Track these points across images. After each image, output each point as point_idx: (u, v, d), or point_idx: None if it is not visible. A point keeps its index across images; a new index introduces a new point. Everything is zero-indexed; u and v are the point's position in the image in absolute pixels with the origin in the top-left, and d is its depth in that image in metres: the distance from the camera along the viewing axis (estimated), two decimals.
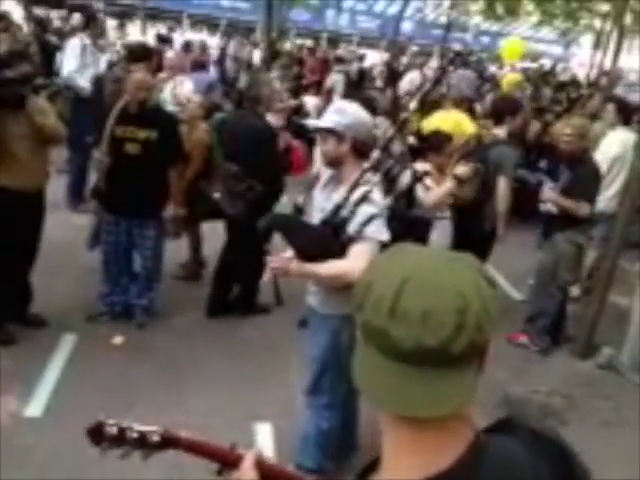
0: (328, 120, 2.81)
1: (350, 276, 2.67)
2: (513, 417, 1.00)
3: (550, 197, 4.75)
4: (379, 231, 2.71)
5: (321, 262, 2.74)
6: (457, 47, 17.87)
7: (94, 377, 3.93)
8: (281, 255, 2.92)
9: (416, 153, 4.02)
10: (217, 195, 4.71)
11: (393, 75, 10.31)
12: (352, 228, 2.70)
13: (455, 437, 0.88)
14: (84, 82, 6.44)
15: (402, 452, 0.89)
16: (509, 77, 9.48)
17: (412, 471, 0.87)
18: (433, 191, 3.94)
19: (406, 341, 0.82)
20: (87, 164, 6.32)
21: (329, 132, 2.80)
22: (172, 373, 4.09)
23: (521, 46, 11.47)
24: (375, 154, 2.83)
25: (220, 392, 3.95)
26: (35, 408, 3.62)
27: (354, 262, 2.67)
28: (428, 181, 3.98)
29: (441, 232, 4.10)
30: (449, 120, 5.53)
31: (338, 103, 2.98)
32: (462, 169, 3.95)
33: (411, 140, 4.22)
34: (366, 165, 2.80)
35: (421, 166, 3.98)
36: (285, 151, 5.09)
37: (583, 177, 4.69)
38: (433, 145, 4.18)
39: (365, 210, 2.70)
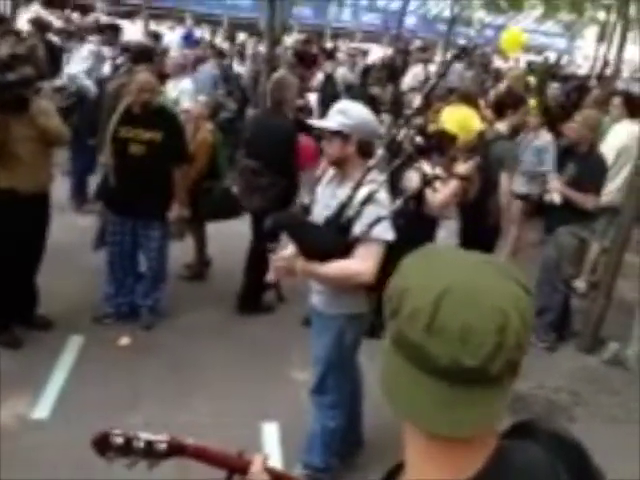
0: (333, 121, 2.80)
1: (359, 277, 2.69)
2: (532, 420, 0.99)
3: (557, 187, 4.73)
4: (385, 231, 2.71)
5: (326, 262, 2.74)
6: (461, 41, 17.84)
7: (101, 378, 3.94)
8: (285, 254, 2.92)
9: (422, 153, 3.97)
10: (235, 190, 4.89)
11: (393, 71, 10.27)
12: (359, 228, 2.69)
13: (480, 447, 0.87)
14: (90, 83, 6.48)
15: (425, 461, 0.88)
16: (514, 72, 9.34)
17: (435, 479, 0.86)
18: (439, 192, 3.91)
19: (443, 358, 0.79)
20: (89, 165, 6.35)
21: (334, 133, 2.79)
22: (179, 373, 4.10)
23: (520, 37, 11.16)
24: (379, 152, 2.83)
25: (226, 391, 3.96)
26: (42, 410, 3.64)
27: (362, 263, 2.68)
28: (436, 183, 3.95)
29: (448, 231, 4.07)
30: (455, 117, 5.50)
31: (342, 103, 2.97)
32: (464, 166, 3.90)
33: (418, 139, 4.17)
34: (371, 163, 2.80)
35: (429, 169, 3.93)
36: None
37: (590, 169, 4.67)
38: (436, 146, 4.13)
39: (372, 210, 2.70)
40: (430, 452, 0.86)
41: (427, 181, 3.24)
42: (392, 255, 2.67)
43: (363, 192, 2.72)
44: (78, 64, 6.62)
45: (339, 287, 2.85)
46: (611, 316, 4.96)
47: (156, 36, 11.53)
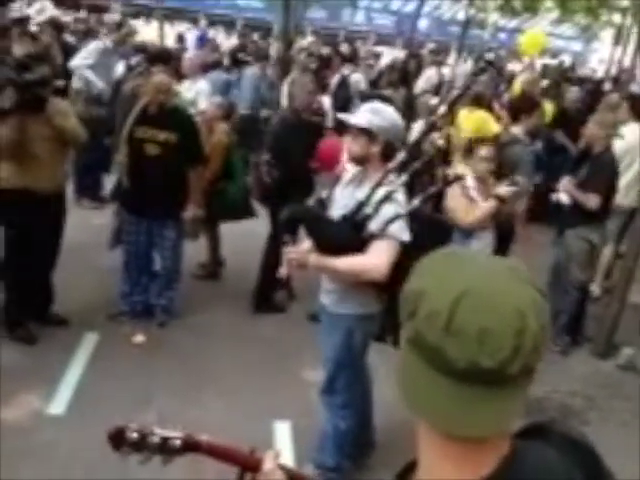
0: (363, 118, 2.81)
1: (372, 273, 2.69)
2: (547, 422, 0.99)
3: (565, 187, 4.73)
4: (401, 231, 2.72)
5: (340, 257, 2.74)
6: (475, 44, 17.79)
7: (115, 375, 3.98)
8: (299, 247, 2.93)
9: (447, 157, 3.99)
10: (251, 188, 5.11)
11: (405, 74, 10.28)
12: (375, 225, 2.70)
13: (494, 447, 0.87)
14: (91, 75, 6.55)
15: (439, 460, 0.88)
16: (531, 76, 9.19)
17: (449, 478, 0.87)
18: (477, 210, 3.89)
19: (460, 360, 0.80)
20: (102, 164, 6.39)
21: (361, 130, 2.80)
22: (192, 371, 4.13)
23: (542, 39, 10.94)
24: (400, 155, 2.84)
25: (239, 390, 3.98)
26: (58, 406, 3.68)
27: (376, 259, 2.68)
28: (473, 192, 3.92)
29: (483, 242, 4.01)
30: (472, 121, 5.51)
31: (374, 104, 2.98)
32: (504, 189, 3.91)
33: (441, 142, 4.16)
34: (391, 165, 2.81)
35: (455, 172, 3.94)
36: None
37: (597, 170, 4.65)
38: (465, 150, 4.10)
39: (389, 209, 2.71)
40: (445, 451, 0.87)
41: (448, 181, 3.24)
42: (405, 257, 2.68)
43: (382, 192, 2.74)
44: (81, 58, 6.71)
45: (350, 283, 2.85)
46: (625, 321, 4.93)
47: (181, 37, 11.60)
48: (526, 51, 10.75)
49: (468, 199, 3.92)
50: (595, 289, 5.73)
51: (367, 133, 2.79)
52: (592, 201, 4.54)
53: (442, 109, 3.22)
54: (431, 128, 3.39)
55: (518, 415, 0.85)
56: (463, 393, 0.81)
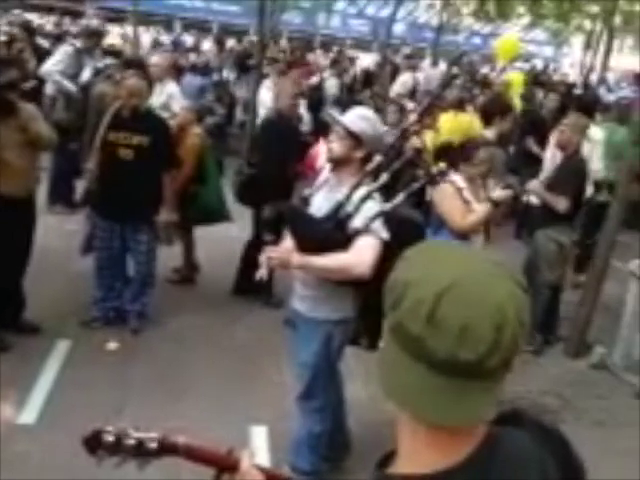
0: (354, 123, 2.82)
1: (358, 269, 2.68)
2: (519, 410, 1.02)
3: (534, 188, 4.79)
4: (382, 229, 2.74)
5: (324, 255, 2.73)
6: (450, 49, 17.96)
7: (88, 383, 3.92)
8: (281, 247, 2.91)
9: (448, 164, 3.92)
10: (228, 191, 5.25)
11: (368, 77, 10.42)
12: (359, 221, 2.71)
13: (471, 434, 0.90)
14: (60, 78, 6.48)
15: (418, 447, 0.90)
16: (514, 77, 9.21)
17: (427, 464, 0.88)
18: (473, 215, 3.79)
19: (440, 352, 0.81)
20: (71, 168, 6.31)
21: (350, 134, 2.80)
22: (167, 378, 4.09)
23: (516, 44, 11.09)
24: (377, 159, 2.84)
25: (215, 395, 3.95)
26: (29, 415, 3.62)
27: (362, 255, 2.68)
28: (466, 194, 3.83)
29: (475, 246, 3.94)
30: (456, 126, 5.55)
31: (365, 111, 3.00)
32: (500, 193, 3.85)
33: (418, 143, 4.13)
34: (368, 168, 2.82)
35: (461, 181, 3.84)
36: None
37: (566, 172, 4.72)
38: (464, 155, 3.97)
39: (371, 206, 2.73)
40: (423, 439, 0.89)
41: (431, 177, 3.23)
42: (381, 257, 2.69)
43: (361, 191, 2.75)
44: (52, 63, 6.65)
45: (334, 283, 2.83)
46: (597, 321, 5.01)
47: (157, 43, 11.50)
48: (500, 56, 10.87)
49: (463, 201, 3.83)
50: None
51: (354, 138, 2.80)
52: (561, 204, 4.60)
53: (413, 116, 3.24)
54: (404, 134, 3.39)
55: (494, 407, 0.87)
56: (443, 384, 0.83)
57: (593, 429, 4.01)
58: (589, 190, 6.04)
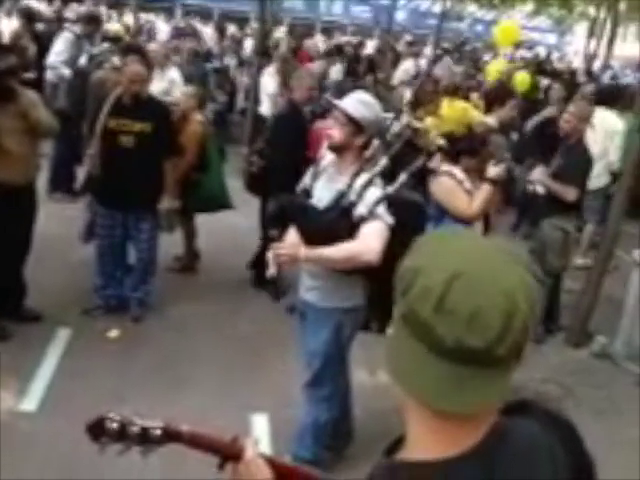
0: (355, 109, 2.78)
1: (367, 256, 2.67)
2: (528, 399, 1.02)
3: (539, 178, 4.76)
4: (387, 213, 2.72)
5: (331, 245, 2.72)
6: (451, 36, 17.84)
7: (89, 371, 3.92)
8: (287, 242, 2.90)
9: (450, 156, 3.82)
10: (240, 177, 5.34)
11: (371, 64, 10.34)
12: (363, 208, 2.69)
13: (481, 422, 0.89)
14: (65, 70, 6.49)
15: (426, 434, 0.90)
16: (493, 65, 9.05)
17: (435, 451, 0.88)
18: (476, 199, 3.68)
19: (449, 338, 0.81)
20: (72, 155, 6.29)
21: (351, 120, 2.77)
22: (168, 366, 4.09)
23: (515, 30, 10.99)
24: (376, 143, 2.82)
25: (216, 384, 3.96)
26: (30, 402, 3.62)
27: (370, 241, 2.67)
28: (467, 185, 3.73)
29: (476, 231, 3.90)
30: (453, 114, 5.48)
31: (364, 96, 2.95)
32: (494, 170, 3.69)
33: (440, 141, 4.05)
34: (368, 154, 2.80)
35: (460, 173, 3.76)
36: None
37: (574, 162, 4.69)
38: (467, 148, 3.84)
39: (374, 192, 2.71)
40: (432, 426, 0.89)
41: (430, 153, 3.20)
42: (387, 241, 2.69)
43: (362, 179, 2.73)
44: (55, 54, 6.63)
45: (343, 271, 2.81)
46: (599, 310, 5.00)
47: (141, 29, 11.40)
48: (500, 43, 10.77)
49: (465, 192, 3.74)
50: (580, 260, 6.05)
51: (355, 124, 2.77)
52: (571, 193, 4.58)
53: (408, 94, 3.22)
54: (398, 115, 3.37)
55: (505, 395, 0.87)
56: (452, 371, 0.82)
57: (594, 418, 4.01)
58: (603, 180, 6.06)
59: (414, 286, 0.84)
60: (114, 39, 7.15)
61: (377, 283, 2.79)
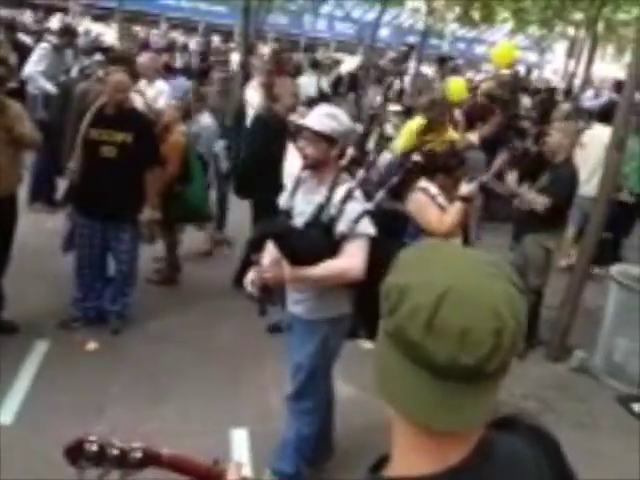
0: (323, 124, 2.79)
1: (351, 273, 2.71)
2: (514, 414, 1.03)
3: (509, 186, 4.80)
4: (368, 227, 2.75)
5: (314, 265, 2.74)
6: (435, 53, 18.06)
7: (67, 384, 3.86)
8: (269, 265, 2.91)
9: (425, 173, 3.81)
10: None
11: (353, 81, 10.41)
12: (343, 226, 2.71)
13: (467, 438, 0.89)
14: (44, 82, 6.47)
15: (412, 450, 0.89)
16: (453, 83, 8.69)
17: (421, 467, 0.88)
18: (447, 216, 3.65)
19: (440, 356, 0.80)
20: (53, 167, 6.24)
21: (320, 136, 2.78)
22: (147, 379, 4.04)
23: (513, 51, 11.13)
24: (350, 152, 2.86)
25: (195, 398, 3.91)
26: (6, 416, 3.55)
27: (353, 259, 2.71)
28: (440, 200, 3.70)
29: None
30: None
31: (329, 108, 2.97)
32: (467, 188, 3.67)
33: (415, 157, 4.05)
34: (343, 163, 2.83)
35: (434, 189, 3.75)
36: None
37: (557, 179, 4.73)
38: (444, 166, 3.78)
39: (353, 207, 2.73)
40: (418, 443, 0.88)
41: (409, 170, 3.22)
42: (370, 251, 2.71)
43: (341, 191, 2.74)
44: (33, 64, 6.61)
45: (325, 287, 2.84)
46: (578, 325, 5.04)
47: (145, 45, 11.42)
48: (497, 63, 10.94)
49: (438, 207, 3.71)
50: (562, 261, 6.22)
51: (327, 139, 2.79)
52: (540, 201, 4.59)
53: (379, 99, 3.26)
54: (372, 121, 3.42)
55: (492, 409, 0.87)
56: (441, 388, 0.82)
57: (574, 432, 4.03)
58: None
59: (402, 305, 0.83)
60: (107, 50, 7.15)
61: (363, 290, 2.81)
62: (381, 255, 2.58)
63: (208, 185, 5.53)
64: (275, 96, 5.21)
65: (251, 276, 2.91)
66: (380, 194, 2.84)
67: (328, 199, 2.74)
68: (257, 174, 4.73)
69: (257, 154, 4.80)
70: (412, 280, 0.85)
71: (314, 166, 2.87)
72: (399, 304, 0.83)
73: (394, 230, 2.79)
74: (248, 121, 7.15)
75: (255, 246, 2.96)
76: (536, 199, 4.62)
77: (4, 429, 3.44)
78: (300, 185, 2.97)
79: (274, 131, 4.80)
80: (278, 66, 8.10)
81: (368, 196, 2.87)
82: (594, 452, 3.72)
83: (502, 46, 11.30)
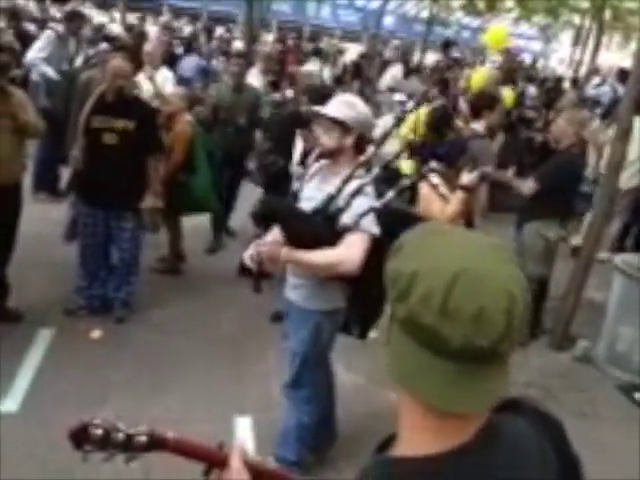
0: (338, 111, 2.78)
1: (346, 265, 2.68)
2: (518, 398, 1.04)
3: (503, 174, 4.78)
4: (372, 225, 2.72)
5: (313, 250, 2.72)
6: (439, 42, 17.94)
7: (71, 372, 3.88)
8: (268, 239, 2.90)
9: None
10: (252, 167, 5.54)
11: (358, 69, 10.35)
12: (348, 218, 2.69)
13: (473, 419, 0.90)
14: (47, 69, 6.46)
15: (420, 431, 0.90)
16: (479, 72, 8.99)
17: (427, 447, 0.88)
18: (449, 206, 3.65)
19: (455, 339, 0.81)
20: (56, 155, 6.24)
21: (335, 123, 2.77)
22: (151, 367, 4.06)
23: (505, 34, 11.06)
24: (370, 150, 2.83)
25: (199, 386, 3.93)
26: (11, 403, 3.58)
27: (350, 251, 2.67)
28: (442, 189, 3.69)
29: None
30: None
31: (346, 96, 2.97)
32: (468, 177, 3.65)
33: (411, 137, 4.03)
34: (362, 159, 2.80)
35: (437, 180, 3.74)
36: None
37: (551, 163, 4.69)
38: (445, 156, 3.80)
39: (361, 202, 2.71)
40: (426, 424, 0.89)
41: (422, 175, 3.20)
42: (373, 251, 2.68)
43: (353, 185, 2.72)
44: (35, 50, 6.59)
45: (320, 277, 2.83)
46: (581, 314, 5.04)
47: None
48: (490, 46, 10.86)
49: (440, 197, 3.72)
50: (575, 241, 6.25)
51: (341, 125, 2.77)
52: (526, 186, 4.58)
53: (410, 105, 3.23)
54: (399, 123, 3.38)
55: (504, 390, 0.88)
56: (456, 371, 0.83)
57: (576, 420, 4.03)
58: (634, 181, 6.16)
59: (413, 290, 0.83)
60: (114, 40, 7.12)
61: (359, 287, 2.80)
62: (381, 255, 2.51)
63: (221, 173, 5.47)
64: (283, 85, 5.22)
65: (250, 250, 2.87)
66: (390, 193, 2.81)
67: (339, 190, 2.72)
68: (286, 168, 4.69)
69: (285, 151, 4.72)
70: (421, 265, 0.84)
71: (329, 155, 2.86)
72: (410, 289, 0.83)
73: (399, 231, 2.74)
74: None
75: (258, 219, 2.94)
76: (523, 184, 4.60)
77: (8, 417, 3.47)
78: (317, 173, 2.96)
79: (300, 121, 4.73)
80: (287, 54, 8.08)
81: (381, 195, 2.84)
82: (596, 441, 3.73)
83: (494, 29, 11.23)
